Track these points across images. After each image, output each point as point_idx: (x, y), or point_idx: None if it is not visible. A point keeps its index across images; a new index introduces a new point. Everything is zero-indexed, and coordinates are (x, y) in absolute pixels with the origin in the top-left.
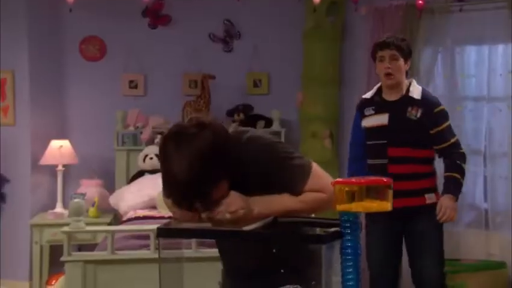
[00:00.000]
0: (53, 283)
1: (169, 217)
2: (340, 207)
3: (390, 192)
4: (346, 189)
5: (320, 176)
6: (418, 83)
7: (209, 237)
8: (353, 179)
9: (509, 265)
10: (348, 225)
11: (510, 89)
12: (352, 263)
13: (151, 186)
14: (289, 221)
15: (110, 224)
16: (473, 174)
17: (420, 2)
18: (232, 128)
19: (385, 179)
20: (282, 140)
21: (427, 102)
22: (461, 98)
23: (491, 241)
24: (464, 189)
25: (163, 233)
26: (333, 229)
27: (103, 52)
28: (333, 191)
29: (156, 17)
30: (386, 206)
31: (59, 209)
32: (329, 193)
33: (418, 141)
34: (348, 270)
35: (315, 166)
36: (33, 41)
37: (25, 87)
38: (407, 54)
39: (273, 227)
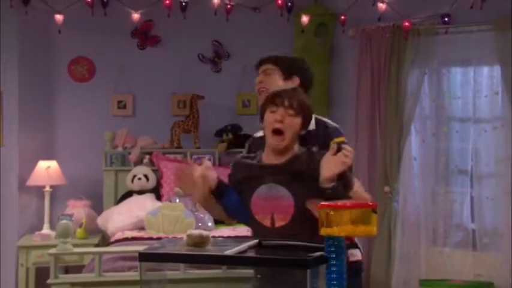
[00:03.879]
0: None
1: (157, 238)
2: (325, 231)
3: (375, 217)
4: (331, 212)
5: None
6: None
7: (190, 261)
8: (338, 203)
9: (497, 286)
10: (333, 249)
11: (495, 110)
12: (337, 287)
13: (140, 207)
14: (273, 245)
15: (97, 245)
16: (461, 194)
17: (406, 24)
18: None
19: (370, 203)
20: None
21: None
22: (448, 119)
23: (478, 261)
24: (452, 209)
25: (146, 257)
26: (317, 253)
27: (92, 73)
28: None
29: (145, 37)
30: (371, 230)
31: (46, 230)
32: None
33: None
34: None
35: None
36: (23, 62)
37: (14, 107)
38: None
39: (258, 250)
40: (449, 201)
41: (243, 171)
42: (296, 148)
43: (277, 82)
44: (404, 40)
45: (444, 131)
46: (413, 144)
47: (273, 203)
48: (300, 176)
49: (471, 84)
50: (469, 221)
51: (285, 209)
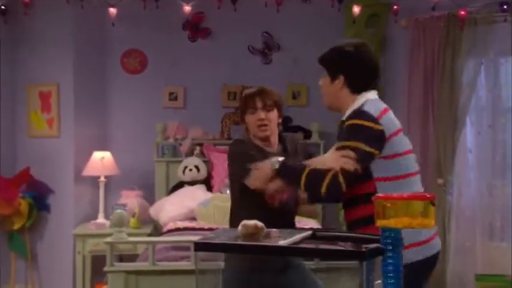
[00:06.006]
0: None
1: (208, 228)
2: (381, 222)
3: (433, 209)
4: (388, 204)
5: None
6: (461, 95)
7: (246, 252)
8: (394, 195)
9: None
10: (390, 241)
11: None
12: (394, 280)
13: (191, 198)
14: (328, 236)
15: (150, 234)
16: None
17: (462, 12)
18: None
19: (428, 195)
20: (322, 151)
21: None
22: (506, 110)
23: None
24: (509, 203)
25: (201, 247)
26: (374, 245)
27: (144, 65)
28: None
29: (196, 29)
30: (429, 223)
31: (100, 219)
32: None
33: None
34: None
35: None
36: (78, 55)
37: (70, 100)
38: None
39: (312, 241)
40: (506, 195)
41: (253, 158)
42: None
43: (326, 87)
44: (459, 30)
45: (501, 122)
46: (469, 136)
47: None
48: (289, 156)
49: None
50: None
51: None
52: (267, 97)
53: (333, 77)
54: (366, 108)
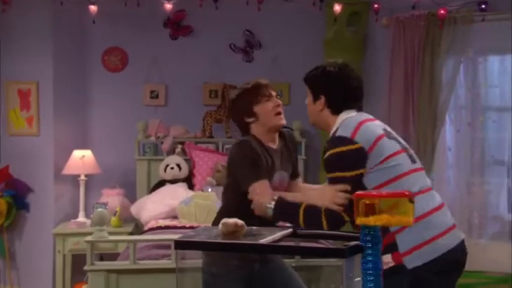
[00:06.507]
0: None
1: (190, 227)
2: (360, 220)
3: (411, 206)
4: (367, 202)
5: None
6: (440, 93)
7: (225, 250)
8: (373, 192)
9: None
10: (369, 238)
11: None
12: (373, 277)
13: (172, 196)
14: (308, 234)
15: (131, 233)
16: (497, 185)
17: (442, 11)
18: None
19: (406, 192)
20: (303, 149)
21: None
22: (484, 109)
23: None
24: (488, 200)
25: (181, 245)
26: (353, 242)
27: (125, 63)
28: None
29: (177, 27)
30: (408, 220)
31: (81, 218)
32: None
33: None
34: (369, 285)
35: None
36: (58, 52)
37: (49, 97)
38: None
39: (293, 239)
40: (485, 192)
41: (262, 159)
42: None
43: (310, 106)
44: (439, 28)
45: (480, 120)
46: (448, 134)
47: (282, 188)
48: (288, 155)
49: (508, 73)
50: (505, 212)
51: (285, 188)
52: (272, 88)
53: (315, 97)
54: (339, 132)
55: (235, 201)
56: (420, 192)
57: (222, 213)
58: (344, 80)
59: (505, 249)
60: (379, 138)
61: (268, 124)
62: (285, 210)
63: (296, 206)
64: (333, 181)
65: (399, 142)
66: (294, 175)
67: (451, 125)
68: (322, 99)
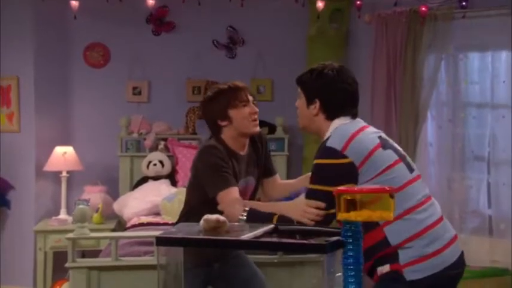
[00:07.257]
0: None
1: (173, 223)
2: (341, 215)
3: (392, 202)
4: (348, 197)
5: None
6: (422, 90)
7: (207, 246)
8: (355, 188)
9: None
10: (350, 234)
11: None
12: (354, 272)
13: (155, 193)
14: (290, 230)
15: (113, 230)
16: (477, 180)
17: (423, 8)
18: None
19: (387, 188)
20: (286, 146)
21: None
22: (465, 105)
23: (495, 248)
24: (468, 196)
25: (163, 241)
26: (334, 238)
27: (107, 59)
28: None
29: (160, 23)
30: (388, 215)
31: (62, 215)
32: None
33: None
34: (349, 280)
35: None
36: (39, 48)
37: (30, 93)
38: None
39: (274, 235)
40: (465, 188)
41: (229, 167)
42: None
43: (302, 110)
44: (420, 25)
45: (461, 117)
46: (430, 130)
47: (248, 194)
48: (256, 158)
49: (489, 70)
50: (485, 207)
51: (251, 192)
52: (249, 92)
53: (309, 101)
54: (331, 141)
55: (199, 201)
56: (421, 203)
57: (185, 214)
58: (342, 85)
59: (484, 244)
60: (372, 151)
61: (242, 130)
62: (257, 221)
63: (269, 217)
64: (311, 193)
65: (396, 150)
66: (269, 173)
67: (433, 121)
68: (317, 104)
